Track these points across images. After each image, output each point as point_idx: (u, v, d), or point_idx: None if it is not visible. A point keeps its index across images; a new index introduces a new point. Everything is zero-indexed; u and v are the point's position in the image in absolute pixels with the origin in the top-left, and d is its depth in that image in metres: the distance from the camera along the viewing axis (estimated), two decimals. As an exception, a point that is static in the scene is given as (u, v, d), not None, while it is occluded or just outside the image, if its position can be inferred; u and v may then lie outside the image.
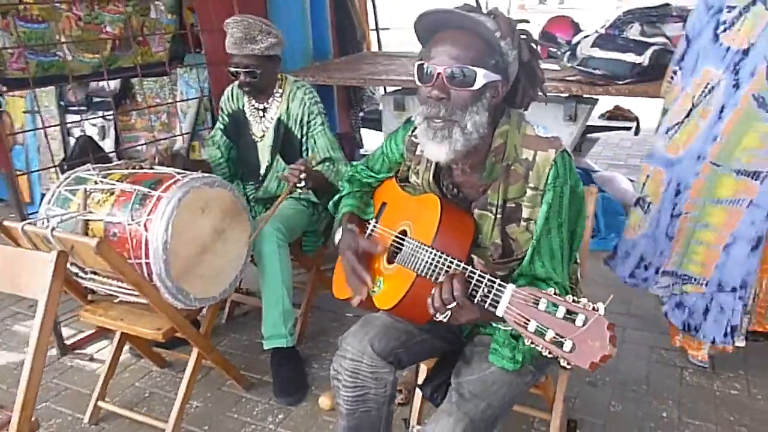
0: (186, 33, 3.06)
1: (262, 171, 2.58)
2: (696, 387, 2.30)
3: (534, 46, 1.42)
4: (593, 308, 1.03)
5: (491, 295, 1.21)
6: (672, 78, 2.21)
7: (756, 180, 1.98)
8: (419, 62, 1.37)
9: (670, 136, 2.17)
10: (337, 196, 1.84)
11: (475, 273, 1.26)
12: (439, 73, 1.32)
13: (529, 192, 1.41)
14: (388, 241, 1.60)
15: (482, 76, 1.31)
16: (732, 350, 2.24)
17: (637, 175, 4.48)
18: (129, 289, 1.99)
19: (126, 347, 2.44)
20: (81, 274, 2.05)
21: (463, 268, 1.30)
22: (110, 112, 3.70)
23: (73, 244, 1.77)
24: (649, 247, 2.28)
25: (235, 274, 2.14)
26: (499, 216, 1.44)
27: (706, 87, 2.02)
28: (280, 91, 2.46)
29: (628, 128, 4.42)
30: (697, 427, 2.11)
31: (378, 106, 4.92)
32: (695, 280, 2.15)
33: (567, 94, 2.92)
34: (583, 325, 1.02)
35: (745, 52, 1.93)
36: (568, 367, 1.05)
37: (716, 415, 2.16)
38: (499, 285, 1.20)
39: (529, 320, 1.10)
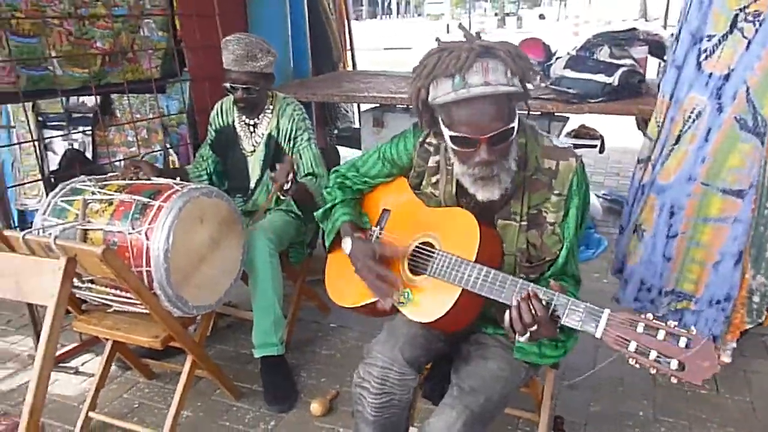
0: (173, 51, 3.11)
1: (252, 185, 2.65)
2: (668, 387, 2.44)
3: (527, 61, 1.44)
4: (695, 334, 1.16)
5: (583, 317, 1.30)
6: (665, 107, 2.31)
7: (739, 198, 2.11)
8: (454, 134, 1.39)
9: (661, 163, 2.26)
10: (328, 204, 1.83)
11: (554, 295, 1.35)
12: (482, 142, 1.37)
13: (553, 198, 1.52)
14: (403, 250, 1.64)
15: (514, 125, 1.40)
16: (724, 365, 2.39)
17: (599, 191, 4.72)
18: (126, 298, 2.03)
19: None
20: (77, 283, 2.07)
21: (534, 287, 1.37)
22: (89, 128, 3.71)
23: (77, 252, 1.80)
24: (647, 271, 2.37)
25: (230, 283, 2.19)
26: (523, 224, 1.54)
27: (692, 112, 2.14)
28: (271, 107, 2.55)
29: (594, 146, 4.63)
30: (671, 424, 2.23)
31: (351, 123, 5.04)
32: (688, 296, 2.26)
33: (540, 112, 3.08)
34: (687, 347, 1.16)
35: (726, 78, 2.07)
36: (676, 382, 1.17)
37: (687, 412, 2.29)
38: (592, 309, 1.30)
39: (628, 341, 1.21)
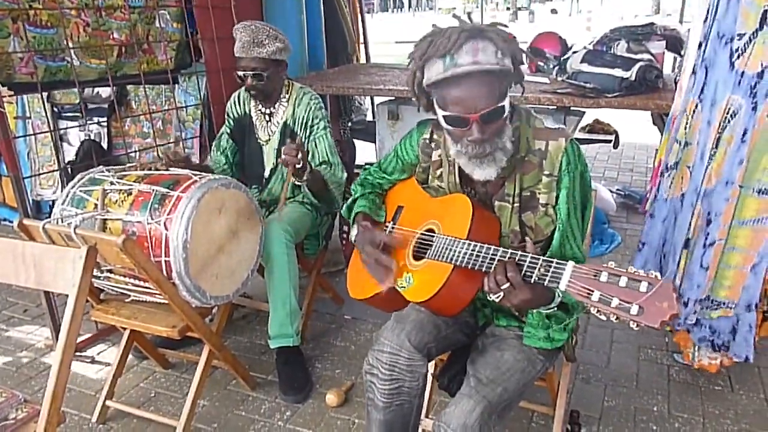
0: (189, 42, 3.12)
1: (266, 174, 2.66)
2: (682, 383, 2.43)
3: (517, 43, 1.47)
4: (655, 276, 1.15)
5: (549, 274, 1.30)
6: (694, 111, 2.25)
7: None
8: (446, 114, 1.43)
9: (704, 169, 2.17)
10: (350, 200, 1.91)
11: (527, 256, 1.35)
12: (473, 120, 1.40)
13: (544, 179, 1.53)
14: (410, 239, 1.68)
15: (506, 103, 1.43)
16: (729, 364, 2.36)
17: (613, 186, 4.70)
18: (143, 288, 2.04)
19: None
20: (96, 272, 2.08)
21: (512, 253, 1.38)
22: (104, 119, 3.74)
23: (96, 241, 1.81)
24: (687, 283, 2.27)
25: (247, 274, 2.20)
26: (516, 205, 1.55)
27: (728, 112, 2.08)
28: (287, 96, 2.55)
29: (608, 141, 4.61)
30: (685, 420, 2.23)
31: (365, 116, 5.03)
32: (724, 304, 2.21)
33: (556, 106, 3.06)
34: (647, 291, 1.14)
35: (760, 75, 2.00)
36: (636, 328, 1.15)
37: (702, 408, 2.29)
38: (558, 263, 1.30)
39: (592, 291, 1.21)
